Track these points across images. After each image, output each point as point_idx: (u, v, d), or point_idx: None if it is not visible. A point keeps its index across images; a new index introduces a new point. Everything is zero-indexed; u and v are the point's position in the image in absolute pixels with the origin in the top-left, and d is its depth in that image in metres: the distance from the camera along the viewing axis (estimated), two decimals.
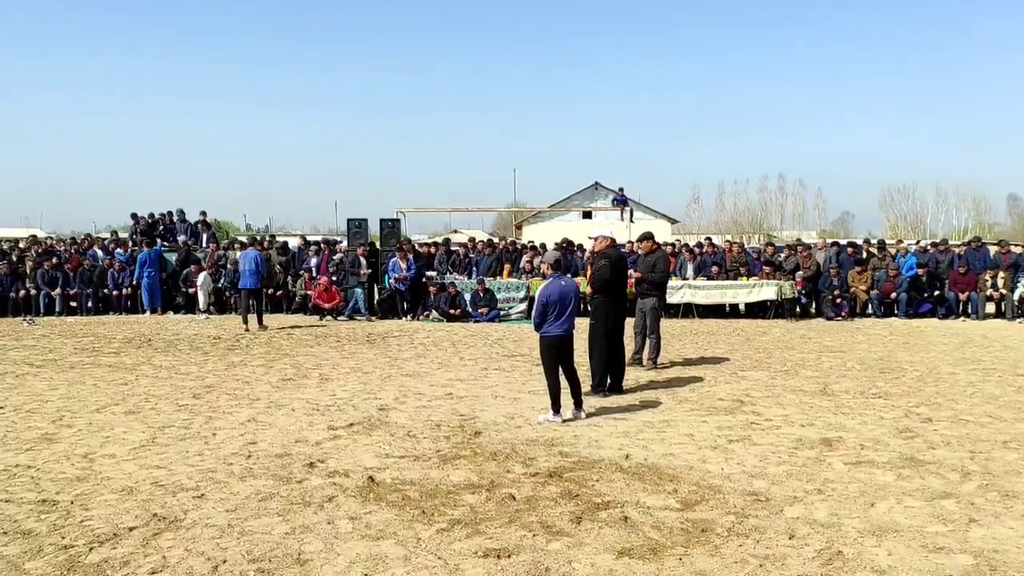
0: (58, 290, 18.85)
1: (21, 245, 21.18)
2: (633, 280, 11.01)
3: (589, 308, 9.32)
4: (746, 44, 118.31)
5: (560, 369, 7.54)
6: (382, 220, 19.37)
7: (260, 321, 15.64)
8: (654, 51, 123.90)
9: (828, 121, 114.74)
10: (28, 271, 19.06)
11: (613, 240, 9.63)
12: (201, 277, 19.11)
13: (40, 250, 20.68)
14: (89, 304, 19.16)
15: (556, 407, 7.47)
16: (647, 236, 11.13)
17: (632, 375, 10.04)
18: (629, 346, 9.98)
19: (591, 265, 9.40)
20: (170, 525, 4.76)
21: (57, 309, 18.74)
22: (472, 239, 24.71)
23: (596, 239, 9.53)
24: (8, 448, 6.57)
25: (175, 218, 22.22)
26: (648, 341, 10.74)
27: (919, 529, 4.62)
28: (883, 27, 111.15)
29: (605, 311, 8.98)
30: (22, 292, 18.72)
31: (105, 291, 19.43)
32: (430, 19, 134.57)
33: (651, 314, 10.65)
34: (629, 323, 10.11)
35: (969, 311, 17.39)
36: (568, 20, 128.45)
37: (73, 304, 19.38)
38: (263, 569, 4.12)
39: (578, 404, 7.63)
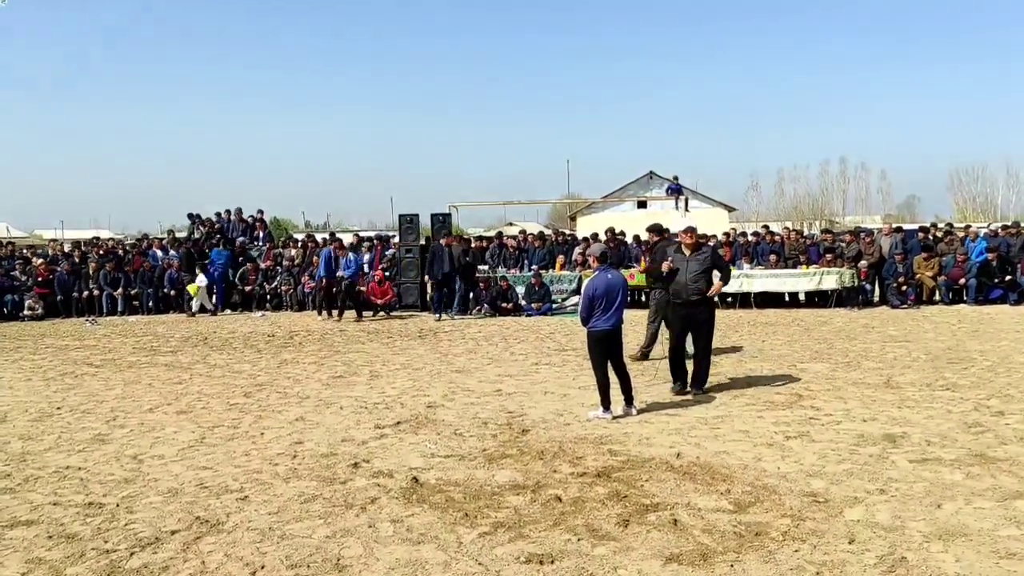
0: (120, 290, 19.26)
1: (83, 247, 21.65)
2: (639, 271, 11.62)
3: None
4: (802, 26, 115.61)
5: (610, 364, 7.35)
6: (433, 215, 19.34)
7: (341, 313, 17.07)
8: (707, 37, 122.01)
9: (891, 102, 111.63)
10: (91, 272, 19.50)
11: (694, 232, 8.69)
12: (199, 278, 19.10)
13: (101, 251, 21.13)
14: (150, 304, 19.56)
15: (605, 403, 7.29)
16: (654, 228, 10.89)
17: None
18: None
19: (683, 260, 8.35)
20: (212, 528, 4.72)
21: (119, 309, 19.14)
22: (523, 231, 24.59)
23: (687, 231, 8.54)
24: (61, 450, 6.65)
25: (232, 217, 22.51)
26: (648, 330, 10.88)
27: (990, 532, 4.34)
28: (942, 4, 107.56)
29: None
30: (85, 293, 19.17)
31: (165, 291, 19.80)
32: (482, 11, 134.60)
33: (653, 304, 10.77)
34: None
35: None
36: (620, 8, 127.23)
37: (135, 304, 19.81)
38: (301, 575, 4.04)
39: (628, 401, 7.43)
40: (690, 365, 8.50)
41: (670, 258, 8.33)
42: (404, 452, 6.33)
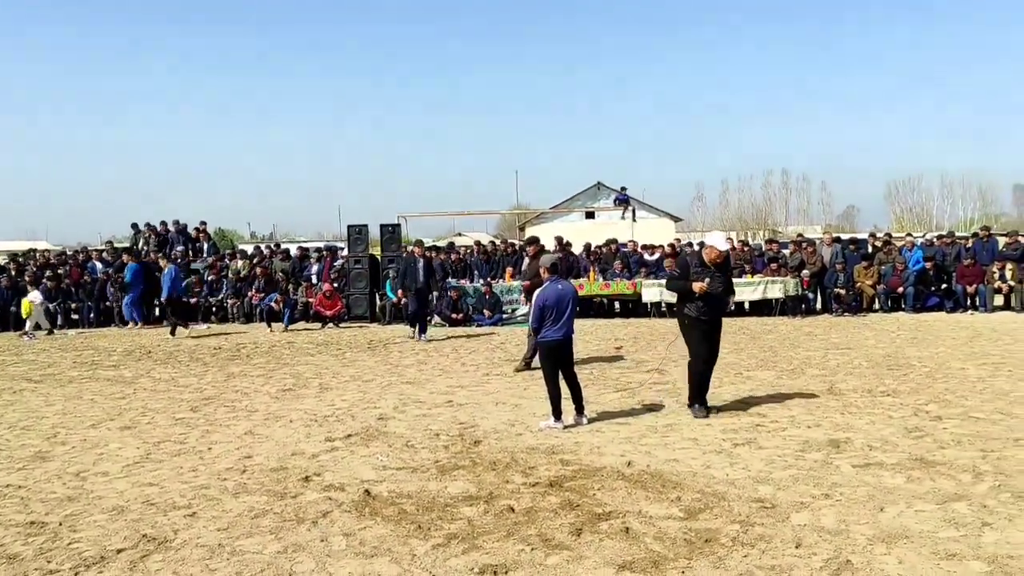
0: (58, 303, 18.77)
1: (20, 259, 21.09)
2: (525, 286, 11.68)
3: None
4: (743, 39, 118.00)
5: (561, 374, 7.41)
6: (382, 226, 19.26)
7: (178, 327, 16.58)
8: (653, 49, 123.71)
9: (830, 115, 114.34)
10: (28, 284, 18.97)
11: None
12: (33, 294, 17.61)
13: (39, 263, 20.60)
14: (91, 316, 19.11)
15: (557, 413, 7.33)
16: (532, 240, 11.53)
17: (635, 377, 9.91)
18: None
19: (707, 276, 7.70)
20: (159, 546, 4.63)
21: (58, 323, 18.64)
22: (477, 242, 24.62)
23: (707, 248, 7.85)
24: (0, 468, 6.45)
25: (170, 228, 22.18)
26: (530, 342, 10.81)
27: (930, 535, 4.47)
28: (884, 17, 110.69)
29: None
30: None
31: (106, 303, 19.36)
32: (430, 21, 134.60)
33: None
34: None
35: (977, 304, 17.17)
36: (567, 20, 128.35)
37: (75, 317, 19.34)
38: None
39: (579, 410, 7.48)
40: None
41: (705, 279, 7.58)
42: (356, 465, 6.28)
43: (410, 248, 16.74)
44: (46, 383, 10.70)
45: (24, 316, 17.22)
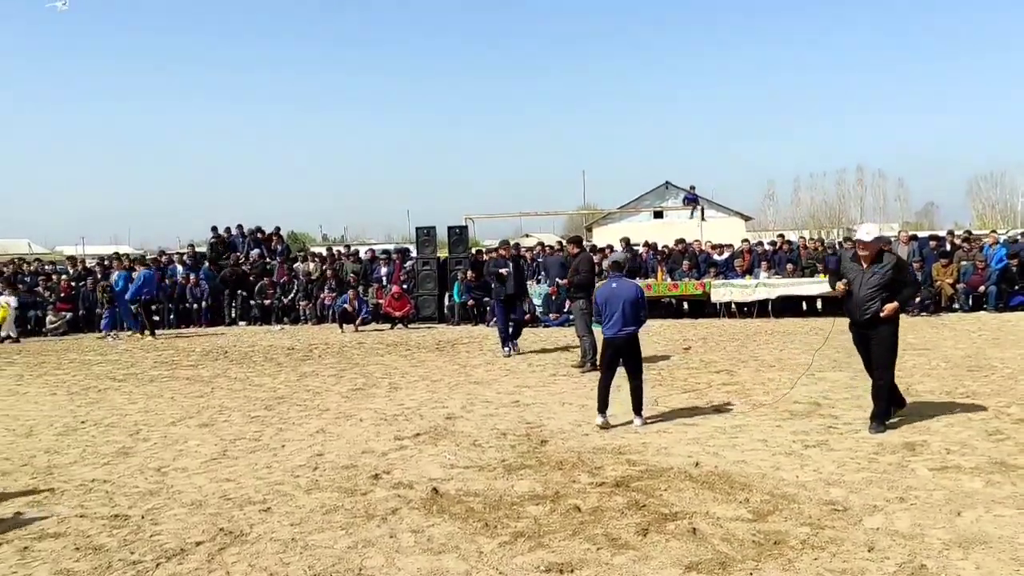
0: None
1: (106, 262, 21.90)
2: (562, 284, 11.83)
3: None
4: (817, 32, 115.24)
5: (625, 371, 7.46)
6: (449, 228, 19.48)
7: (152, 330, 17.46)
8: (721, 45, 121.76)
9: (908, 108, 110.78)
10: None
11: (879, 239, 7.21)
12: (5, 298, 17.83)
13: (123, 267, 21.36)
14: (171, 318, 19.77)
15: (599, 407, 7.43)
16: (574, 240, 11.50)
17: (703, 378, 9.82)
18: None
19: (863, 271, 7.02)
20: (236, 540, 4.79)
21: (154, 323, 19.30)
22: (541, 243, 24.64)
23: (865, 241, 7.00)
24: (86, 463, 6.75)
25: (234, 232, 22.87)
26: (582, 343, 11.06)
27: (1010, 540, 4.33)
28: (959, 7, 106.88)
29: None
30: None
31: (185, 305, 20.01)
32: (497, 22, 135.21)
33: (580, 316, 11.04)
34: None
35: None
36: (634, 18, 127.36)
37: (156, 318, 20.01)
38: None
39: (636, 410, 7.46)
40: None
41: (845, 279, 7.06)
42: (424, 463, 6.38)
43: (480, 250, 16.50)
44: (129, 382, 11.12)
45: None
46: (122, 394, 10.13)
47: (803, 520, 4.76)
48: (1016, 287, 16.84)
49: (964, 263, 17.41)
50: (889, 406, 7.10)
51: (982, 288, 16.87)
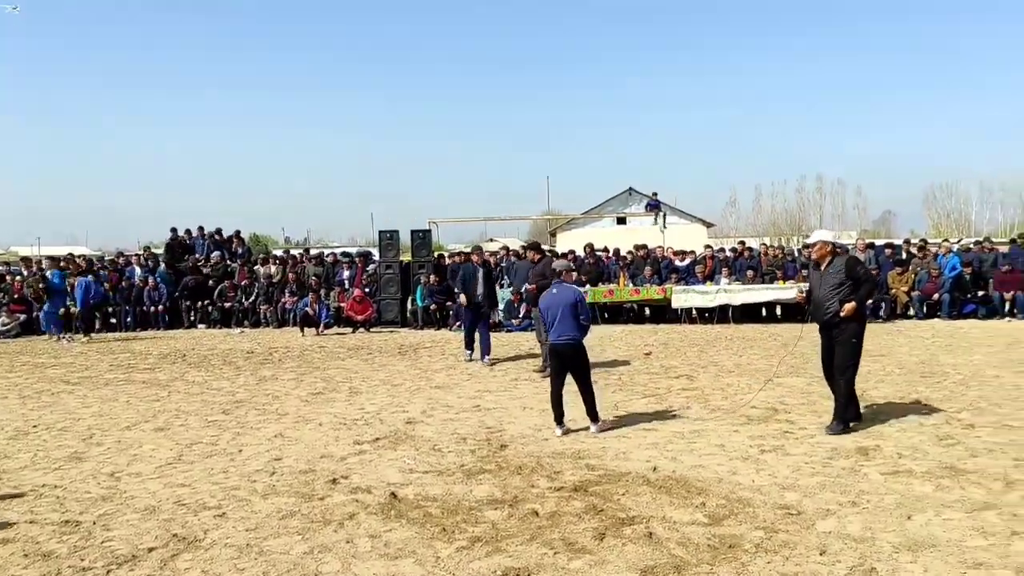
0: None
1: (60, 263, 21.48)
2: (530, 291, 11.60)
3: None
4: (779, 41, 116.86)
5: (574, 380, 7.43)
6: (413, 231, 19.43)
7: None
8: (685, 53, 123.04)
9: (867, 118, 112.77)
10: (68, 289, 19.34)
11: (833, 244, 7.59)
12: None
13: (79, 268, 20.99)
14: (128, 321, 19.46)
15: (555, 417, 7.40)
16: (533, 246, 11.55)
17: (663, 384, 9.90)
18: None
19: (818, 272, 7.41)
20: (189, 545, 4.73)
21: (96, 326, 18.99)
22: (506, 247, 24.68)
23: (814, 246, 7.50)
24: (37, 468, 6.61)
25: (194, 235, 22.63)
26: (543, 349, 10.82)
27: (958, 543, 4.42)
28: (920, 20, 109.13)
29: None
30: (61, 310, 18.99)
31: (143, 308, 19.71)
32: (462, 27, 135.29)
33: (540, 321, 10.57)
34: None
35: (1015, 311, 16.87)
36: (599, 25, 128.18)
37: (112, 321, 19.73)
38: None
39: (591, 418, 7.39)
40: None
41: (805, 283, 7.28)
42: (383, 468, 6.35)
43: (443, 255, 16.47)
44: (83, 385, 10.92)
45: None
46: (76, 398, 9.95)
47: (757, 524, 4.82)
48: (969, 295, 17.20)
49: (919, 271, 17.73)
50: (848, 405, 7.23)
51: (936, 296, 17.19)
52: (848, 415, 7.24)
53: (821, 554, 4.32)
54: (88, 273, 18.85)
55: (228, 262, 21.42)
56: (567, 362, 7.43)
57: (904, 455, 6.29)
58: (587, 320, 7.45)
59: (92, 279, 18.23)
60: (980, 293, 17.12)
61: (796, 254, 20.30)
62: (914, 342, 13.46)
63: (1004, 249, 18.74)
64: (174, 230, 22.85)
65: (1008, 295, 16.90)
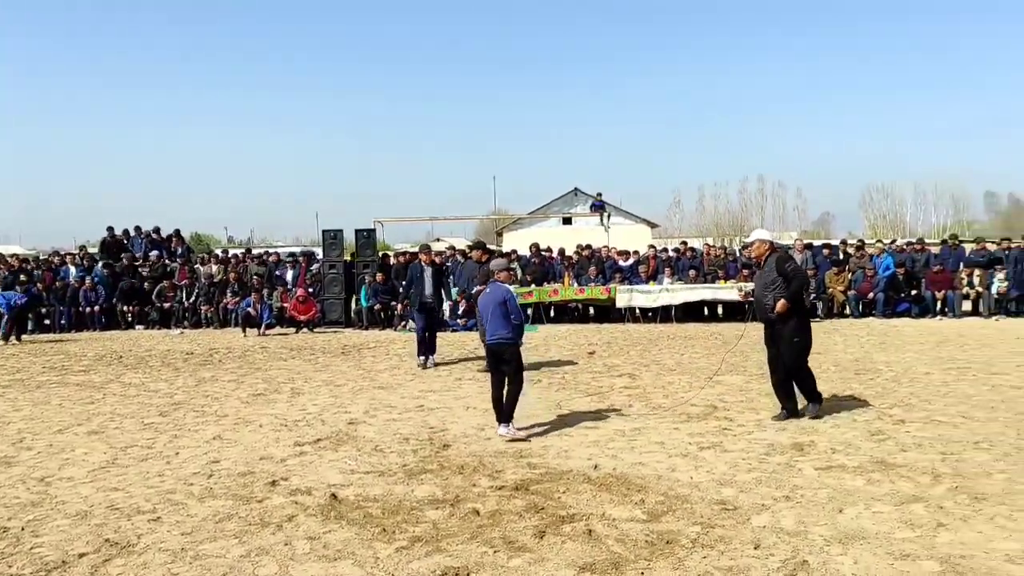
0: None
1: None
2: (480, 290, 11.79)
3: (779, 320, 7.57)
4: (723, 46, 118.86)
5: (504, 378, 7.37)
6: (357, 231, 19.28)
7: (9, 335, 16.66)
8: (631, 55, 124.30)
9: (808, 122, 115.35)
10: None
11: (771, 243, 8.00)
12: None
13: (8, 268, 20.39)
14: (63, 321, 18.94)
15: (496, 418, 7.32)
16: (479, 245, 11.91)
17: (606, 382, 9.99)
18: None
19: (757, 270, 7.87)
20: (122, 551, 4.62)
21: (29, 327, 18.44)
22: (452, 247, 24.63)
23: (753, 244, 7.95)
24: None
25: (133, 234, 22.18)
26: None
27: (886, 535, 4.55)
28: (856, 24, 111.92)
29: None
30: None
31: (78, 308, 19.20)
32: (406, 28, 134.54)
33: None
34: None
35: (946, 310, 17.42)
36: (544, 25, 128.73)
37: (47, 322, 19.18)
38: None
39: (503, 419, 7.22)
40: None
41: (747, 283, 7.71)
42: (323, 469, 6.29)
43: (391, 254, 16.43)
44: (14, 388, 10.60)
45: None
46: (5, 401, 9.65)
47: (695, 520, 4.89)
48: (902, 294, 17.70)
49: (855, 271, 18.19)
50: (811, 387, 7.71)
51: (871, 295, 17.66)
52: (816, 392, 7.71)
53: (755, 548, 4.40)
54: (14, 284, 18.19)
55: (167, 262, 21.00)
56: (499, 361, 7.41)
57: (837, 450, 6.44)
58: (518, 319, 7.36)
59: (16, 291, 17.37)
60: (913, 292, 17.64)
61: (738, 254, 20.65)
62: (849, 340, 13.81)
63: (936, 250, 19.32)
64: (110, 229, 22.35)
65: (939, 294, 17.45)
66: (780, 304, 7.41)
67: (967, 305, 17.56)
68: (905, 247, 20.14)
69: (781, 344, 7.60)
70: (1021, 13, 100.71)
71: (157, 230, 22.58)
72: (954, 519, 4.79)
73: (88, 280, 19.39)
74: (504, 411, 7.26)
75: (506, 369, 7.34)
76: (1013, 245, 19.05)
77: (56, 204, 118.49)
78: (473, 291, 12.23)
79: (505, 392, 7.30)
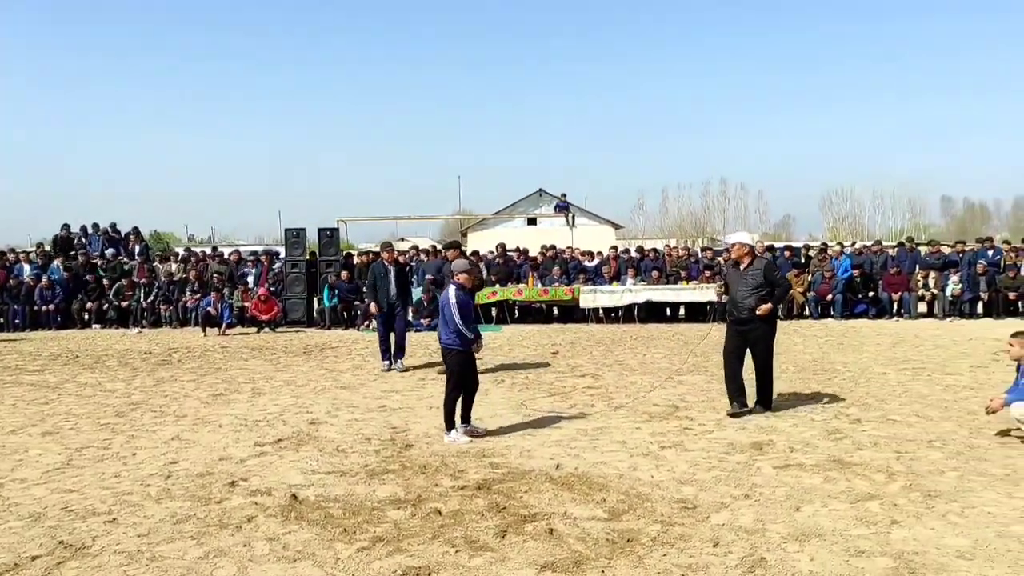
0: None
1: None
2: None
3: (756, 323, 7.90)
4: (686, 50, 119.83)
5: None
6: (320, 230, 19.14)
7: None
8: (596, 56, 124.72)
9: (770, 125, 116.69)
10: None
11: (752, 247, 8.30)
12: None
13: None
14: (16, 320, 18.56)
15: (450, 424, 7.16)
16: (453, 245, 11.93)
17: (569, 382, 10.02)
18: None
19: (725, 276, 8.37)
20: (76, 553, 4.54)
21: None
22: (415, 247, 24.55)
23: (733, 246, 8.25)
24: None
25: (90, 231, 21.85)
26: None
27: (842, 532, 4.62)
28: (819, 30, 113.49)
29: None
30: None
31: (33, 307, 18.82)
32: (370, 26, 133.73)
33: None
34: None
35: (902, 311, 17.76)
36: (509, 24, 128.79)
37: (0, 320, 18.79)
38: None
39: (446, 423, 7.13)
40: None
41: (722, 280, 7.92)
42: (284, 470, 6.23)
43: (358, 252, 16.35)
44: None
45: None
46: None
47: (655, 518, 4.93)
48: (859, 296, 18.00)
49: (814, 273, 18.49)
50: (770, 392, 8.07)
51: (829, 296, 17.94)
52: (768, 403, 8.04)
53: (714, 546, 4.45)
54: None
55: (124, 259, 20.67)
56: (446, 361, 7.33)
57: (796, 449, 6.54)
58: (453, 326, 7.06)
59: None
60: (870, 294, 17.94)
61: (700, 255, 20.85)
62: (808, 341, 14.01)
63: (893, 252, 19.66)
64: (66, 226, 21.95)
65: (896, 296, 17.78)
66: (764, 308, 7.79)
67: (922, 307, 17.92)
68: (863, 249, 20.48)
69: (757, 344, 7.97)
70: (979, 17, 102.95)
71: (114, 227, 22.23)
72: (908, 516, 4.88)
73: (45, 279, 19.00)
74: (445, 417, 7.12)
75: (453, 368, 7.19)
76: (967, 248, 19.51)
77: (10, 200, 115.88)
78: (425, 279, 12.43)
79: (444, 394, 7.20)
